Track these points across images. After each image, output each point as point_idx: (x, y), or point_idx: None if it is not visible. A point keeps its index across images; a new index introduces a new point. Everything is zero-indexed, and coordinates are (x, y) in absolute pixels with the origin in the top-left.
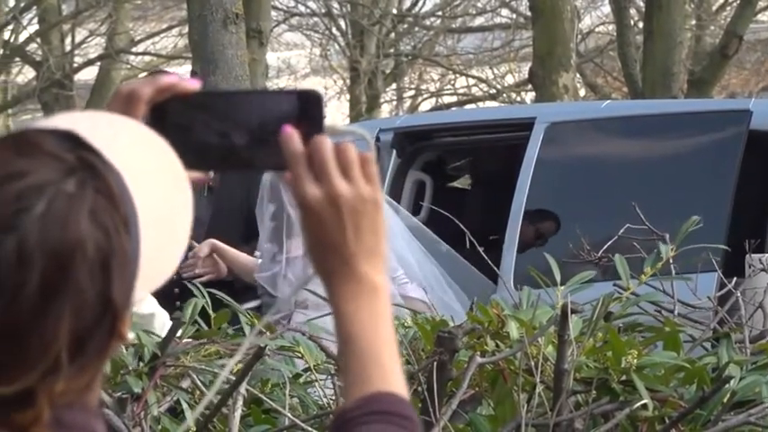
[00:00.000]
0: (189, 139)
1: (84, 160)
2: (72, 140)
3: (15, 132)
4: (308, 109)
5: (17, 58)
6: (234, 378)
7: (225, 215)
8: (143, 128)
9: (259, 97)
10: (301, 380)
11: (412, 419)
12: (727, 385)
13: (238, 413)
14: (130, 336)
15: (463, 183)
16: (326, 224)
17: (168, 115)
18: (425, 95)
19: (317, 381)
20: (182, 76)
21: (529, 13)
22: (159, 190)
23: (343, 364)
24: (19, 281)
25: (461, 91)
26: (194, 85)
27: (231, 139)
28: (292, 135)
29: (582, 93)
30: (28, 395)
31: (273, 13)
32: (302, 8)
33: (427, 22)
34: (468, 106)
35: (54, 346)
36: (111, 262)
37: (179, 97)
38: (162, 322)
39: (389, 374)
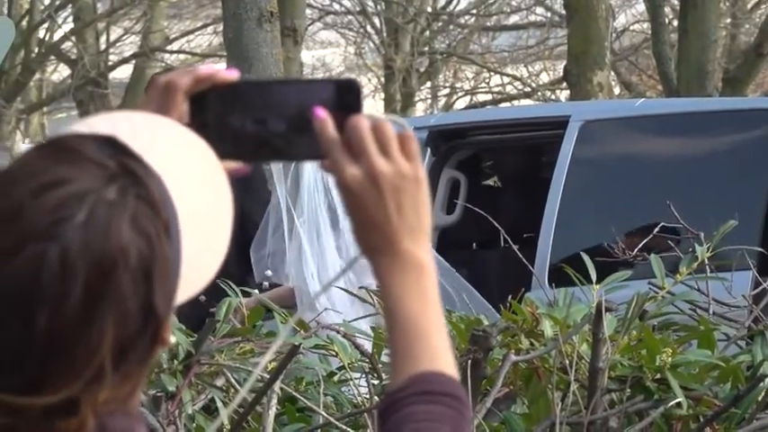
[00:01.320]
0: (227, 129)
1: (124, 166)
2: (112, 146)
3: (55, 138)
4: (345, 98)
5: (52, 57)
6: (268, 376)
7: None
8: (182, 128)
9: (297, 86)
10: (336, 378)
11: (460, 399)
12: (761, 383)
13: (272, 411)
14: (172, 340)
15: (497, 181)
16: (368, 203)
17: (206, 105)
18: (460, 94)
19: (351, 379)
20: (219, 66)
21: (563, 11)
22: (199, 192)
23: (391, 343)
24: (62, 290)
25: (496, 89)
26: (232, 74)
27: (269, 128)
28: (326, 120)
29: (616, 91)
30: (72, 404)
31: (308, 12)
32: (337, 6)
33: (462, 20)
34: (502, 104)
35: (98, 355)
36: (154, 269)
37: (217, 87)
38: None
39: (437, 353)
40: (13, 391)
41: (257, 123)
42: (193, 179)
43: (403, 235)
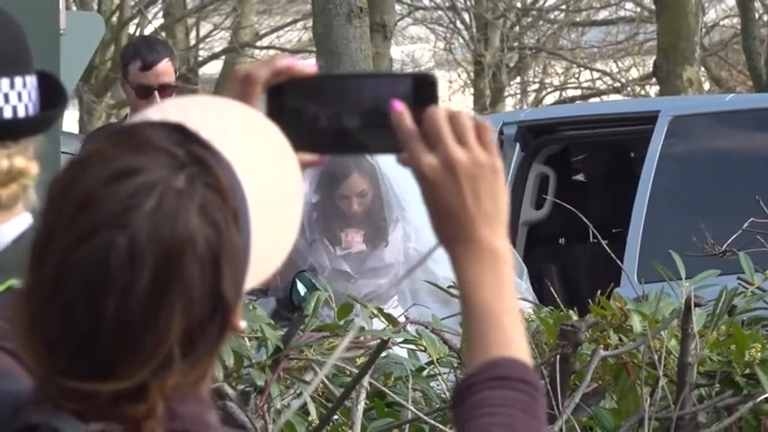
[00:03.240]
0: (304, 122)
1: (193, 155)
2: (182, 134)
3: (126, 126)
4: (423, 92)
5: None
6: (357, 371)
7: None
8: (255, 114)
9: (374, 80)
10: (424, 373)
11: (534, 385)
12: None
13: (361, 406)
14: (243, 325)
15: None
16: (444, 191)
17: (284, 97)
18: (549, 89)
19: (439, 374)
20: (298, 59)
21: (653, 7)
22: (270, 178)
23: (466, 329)
24: (130, 278)
25: (585, 84)
26: (310, 67)
27: (345, 121)
28: (404, 113)
29: (706, 86)
30: (141, 390)
31: (398, 7)
32: (426, 2)
33: (551, 16)
34: (591, 100)
35: (166, 342)
36: (222, 257)
37: (295, 80)
38: None
39: (511, 339)
40: (81, 377)
41: (334, 117)
42: (265, 165)
43: (480, 223)
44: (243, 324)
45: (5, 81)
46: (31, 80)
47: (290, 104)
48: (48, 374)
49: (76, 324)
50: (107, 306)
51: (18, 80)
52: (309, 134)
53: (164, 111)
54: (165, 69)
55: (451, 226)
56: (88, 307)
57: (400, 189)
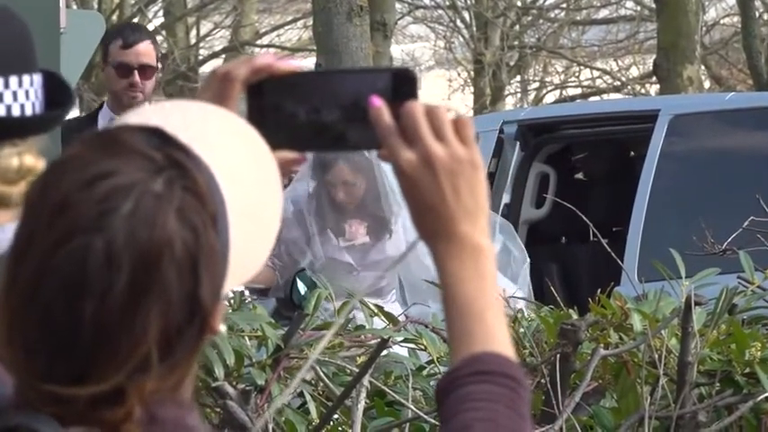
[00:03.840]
0: (283, 118)
1: (171, 158)
2: (160, 137)
3: (103, 130)
4: (401, 87)
5: None
6: (357, 370)
7: None
8: (234, 117)
9: (353, 76)
10: (424, 372)
11: (517, 379)
12: None
13: (361, 405)
14: (222, 328)
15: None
16: (424, 187)
17: (263, 95)
18: (550, 88)
19: (440, 373)
20: (276, 56)
21: (653, 5)
22: (249, 181)
23: (448, 325)
24: (107, 281)
25: (586, 83)
26: (289, 65)
27: (324, 116)
28: (381, 108)
29: (706, 85)
30: (119, 393)
31: (398, 6)
32: (427, 0)
33: (552, 14)
34: (592, 98)
35: (143, 346)
36: (200, 261)
37: (274, 77)
38: None
39: (494, 334)
40: (59, 381)
41: (311, 112)
42: (243, 168)
43: (460, 218)
44: (222, 328)
45: (13, 79)
46: (37, 78)
47: (270, 102)
48: (26, 378)
49: (54, 328)
50: (85, 309)
51: (25, 78)
52: (289, 131)
53: (143, 114)
54: (147, 50)
55: (432, 221)
56: (66, 310)
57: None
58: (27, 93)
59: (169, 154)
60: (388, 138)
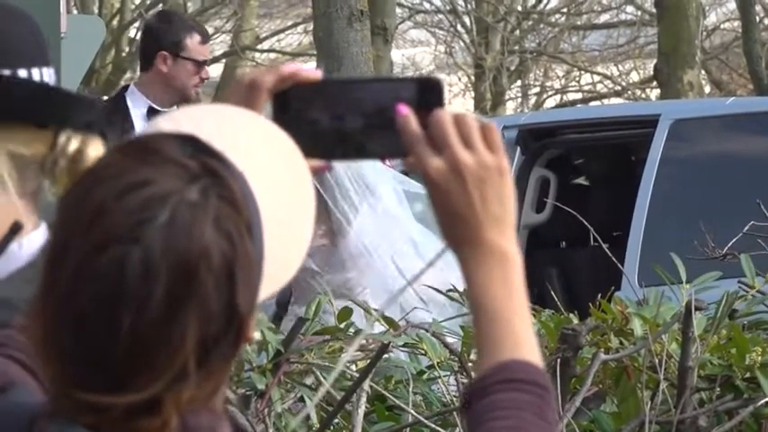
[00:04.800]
0: (308, 126)
1: (206, 166)
2: (194, 145)
3: (137, 138)
4: (427, 96)
5: None
6: (357, 375)
7: None
8: (266, 122)
9: (378, 85)
10: (425, 377)
11: (545, 387)
12: None
13: (362, 410)
14: (256, 336)
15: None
16: (452, 195)
17: (289, 103)
18: (550, 92)
19: (440, 377)
20: (303, 65)
21: (654, 10)
22: (282, 187)
23: (475, 332)
24: (145, 292)
25: (586, 88)
26: (315, 73)
27: (348, 124)
28: (409, 116)
29: (707, 89)
30: (155, 403)
31: (398, 11)
32: (427, 5)
33: (552, 19)
34: (592, 103)
35: (180, 355)
36: (236, 269)
37: (300, 85)
38: None
39: (521, 341)
40: (95, 390)
41: (335, 120)
42: (277, 173)
43: (487, 225)
44: (257, 335)
45: (35, 71)
46: (53, 72)
47: (295, 109)
48: (62, 387)
49: (90, 337)
50: (122, 320)
51: (45, 71)
52: (313, 138)
53: (175, 121)
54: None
55: (459, 229)
56: (102, 320)
57: (355, 182)
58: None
59: (204, 162)
60: (416, 145)
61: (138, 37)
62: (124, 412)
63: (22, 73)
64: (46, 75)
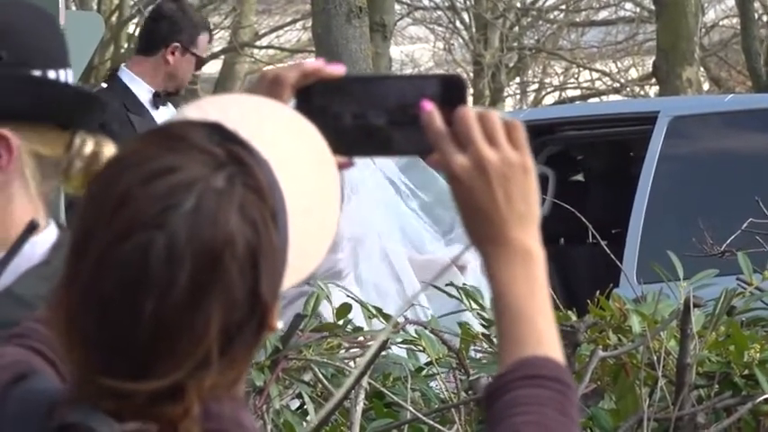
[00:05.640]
0: (331, 122)
1: (232, 154)
2: (220, 133)
3: (163, 125)
4: (450, 93)
5: None
6: (355, 371)
7: None
8: (291, 112)
9: (401, 82)
10: (423, 373)
11: (567, 384)
12: None
13: (360, 407)
14: (279, 325)
15: (585, 176)
16: (476, 192)
17: (312, 98)
18: (549, 89)
19: (438, 374)
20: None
21: (653, 7)
22: (307, 177)
23: (498, 329)
24: (169, 278)
25: (585, 85)
26: (338, 69)
27: (371, 121)
28: (433, 112)
29: (706, 86)
30: (178, 389)
31: (397, 7)
32: (426, 2)
33: (551, 16)
34: (591, 100)
35: (204, 343)
36: (260, 258)
37: (323, 82)
38: None
39: (543, 338)
40: (119, 377)
41: (358, 116)
42: (302, 163)
43: (512, 223)
44: (279, 324)
45: (62, 72)
46: (70, 73)
47: (317, 105)
48: (85, 374)
49: (114, 323)
50: (145, 306)
51: (69, 72)
52: (336, 134)
53: (201, 108)
54: None
55: (483, 226)
56: (126, 306)
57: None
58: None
59: (230, 150)
60: (441, 142)
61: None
62: (147, 399)
63: (51, 74)
64: (69, 76)
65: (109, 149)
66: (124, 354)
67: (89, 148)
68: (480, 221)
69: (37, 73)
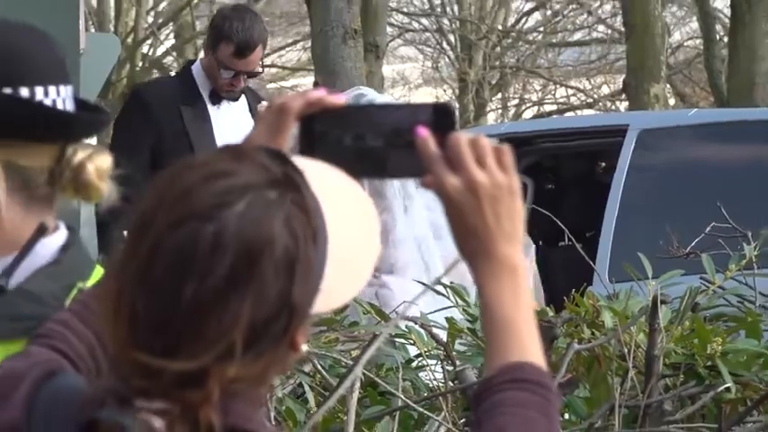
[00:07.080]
0: (331, 146)
1: (288, 175)
2: (281, 158)
3: (234, 144)
4: (442, 119)
5: (155, 70)
6: (351, 362)
7: None
8: (346, 176)
9: (398, 109)
10: (413, 365)
11: (548, 387)
12: None
13: (355, 395)
14: (304, 348)
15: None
16: (467, 211)
17: (315, 125)
18: (528, 104)
19: (427, 366)
20: (329, 91)
21: (623, 29)
22: (350, 227)
23: (486, 336)
24: (210, 265)
25: (561, 100)
26: (340, 99)
27: (368, 145)
28: (428, 137)
29: (672, 102)
30: (202, 374)
31: (389, 29)
32: (415, 24)
33: (530, 37)
34: (567, 114)
35: (232, 331)
36: (296, 266)
37: (325, 110)
38: None
39: (527, 346)
40: (154, 353)
41: (356, 140)
42: (350, 216)
43: (499, 240)
44: (304, 347)
45: (52, 88)
46: (71, 89)
47: (320, 132)
48: (124, 348)
49: (159, 301)
50: (186, 288)
51: (63, 88)
52: (336, 157)
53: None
54: (255, 58)
55: (474, 242)
56: (170, 287)
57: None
58: (64, 101)
59: (286, 171)
60: (434, 165)
61: (151, 53)
62: (173, 380)
63: (39, 90)
64: (63, 92)
65: (104, 160)
66: (163, 332)
67: (78, 158)
68: (471, 238)
69: (24, 89)
